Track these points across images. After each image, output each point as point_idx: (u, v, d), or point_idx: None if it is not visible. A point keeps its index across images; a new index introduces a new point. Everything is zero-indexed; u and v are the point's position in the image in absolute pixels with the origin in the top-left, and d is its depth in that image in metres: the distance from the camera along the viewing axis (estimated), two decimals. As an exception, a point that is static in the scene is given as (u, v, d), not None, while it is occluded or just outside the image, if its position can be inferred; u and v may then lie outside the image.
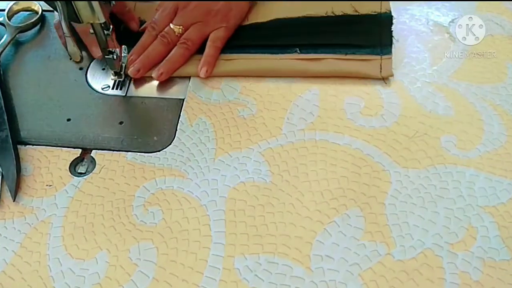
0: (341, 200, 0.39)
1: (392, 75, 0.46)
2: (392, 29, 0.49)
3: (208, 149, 0.44)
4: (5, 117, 0.46)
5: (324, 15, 0.51)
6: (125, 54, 0.50)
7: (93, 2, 0.41)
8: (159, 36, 0.49)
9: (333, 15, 0.51)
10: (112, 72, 0.49)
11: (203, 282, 0.36)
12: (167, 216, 0.40)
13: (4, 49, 0.53)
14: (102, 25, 0.44)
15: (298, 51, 0.48)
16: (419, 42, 0.50)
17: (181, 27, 0.49)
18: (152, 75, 0.48)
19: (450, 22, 0.52)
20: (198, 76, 0.48)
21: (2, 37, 0.54)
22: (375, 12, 0.51)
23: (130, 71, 0.48)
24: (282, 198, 0.40)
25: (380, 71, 0.46)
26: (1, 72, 0.52)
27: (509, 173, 0.40)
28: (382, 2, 0.51)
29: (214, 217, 0.40)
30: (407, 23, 0.52)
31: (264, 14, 0.52)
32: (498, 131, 0.42)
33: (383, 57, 0.47)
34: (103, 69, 0.51)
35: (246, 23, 0.52)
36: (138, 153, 0.44)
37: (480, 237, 0.37)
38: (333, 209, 0.39)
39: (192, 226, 0.39)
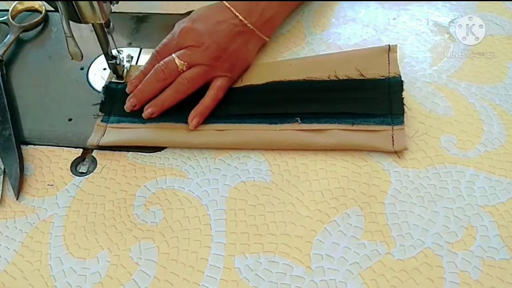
0: (341, 199, 0.40)
1: (406, 149, 0.41)
2: (403, 96, 0.43)
3: (208, 148, 0.44)
4: (8, 116, 0.47)
5: (327, 79, 0.46)
6: (128, 60, 0.50)
7: (94, 2, 0.41)
8: (157, 67, 0.45)
9: (336, 79, 0.45)
10: (114, 75, 0.49)
11: (203, 281, 0.36)
12: (168, 215, 0.40)
13: (7, 48, 0.53)
14: (103, 25, 0.44)
15: (299, 121, 0.43)
16: (419, 42, 0.50)
17: (185, 63, 0.45)
18: (143, 115, 0.45)
19: (450, 22, 0.52)
20: (186, 147, 0.44)
21: (6, 36, 0.54)
22: (383, 76, 0.45)
23: (126, 106, 0.46)
24: (282, 197, 0.40)
25: (393, 144, 0.41)
26: (4, 71, 0.52)
27: (509, 173, 0.40)
28: (390, 65, 0.45)
29: (215, 217, 0.40)
30: (407, 23, 0.52)
31: (259, 75, 0.48)
32: (498, 130, 0.43)
33: (395, 127, 0.42)
34: (104, 69, 0.51)
35: (240, 84, 0.48)
36: (139, 153, 0.44)
37: (479, 237, 0.37)
38: (333, 209, 0.39)
39: (193, 225, 0.39)
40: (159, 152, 0.44)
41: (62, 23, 0.42)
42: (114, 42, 0.47)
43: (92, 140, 0.45)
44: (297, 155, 0.43)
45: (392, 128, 0.42)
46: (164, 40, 0.47)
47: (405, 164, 0.41)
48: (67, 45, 0.43)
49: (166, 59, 0.45)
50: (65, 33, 0.43)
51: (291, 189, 0.41)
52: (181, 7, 0.56)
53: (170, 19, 0.56)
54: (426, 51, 0.49)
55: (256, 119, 0.45)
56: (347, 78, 0.46)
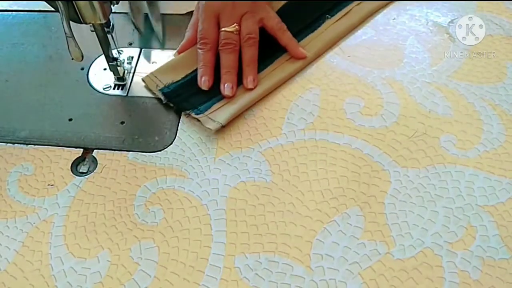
0: (341, 199, 0.40)
1: None
2: None
3: (208, 148, 0.44)
4: None
5: None
6: (129, 62, 0.50)
7: (94, 2, 0.41)
8: (221, 47, 0.48)
9: None
10: (115, 77, 0.49)
11: (204, 280, 0.37)
12: (168, 215, 0.40)
13: None
14: (104, 25, 0.44)
15: (329, 16, 0.52)
16: (418, 42, 0.50)
17: (235, 25, 0.48)
18: (248, 87, 0.47)
19: (449, 22, 0.52)
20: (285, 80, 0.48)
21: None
22: None
23: (226, 92, 0.46)
24: (282, 197, 0.40)
25: None
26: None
27: (508, 173, 0.40)
28: None
29: (215, 216, 0.40)
30: (406, 23, 0.52)
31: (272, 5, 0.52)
32: (497, 131, 0.43)
33: None
34: (105, 69, 0.51)
35: None
36: (140, 153, 0.44)
37: (479, 236, 0.37)
38: (333, 208, 0.39)
39: (193, 225, 0.39)
40: (159, 152, 0.44)
41: (62, 23, 0.42)
42: (115, 42, 0.48)
43: (214, 126, 0.44)
44: (297, 155, 0.43)
45: None
46: (200, 27, 0.49)
47: (405, 164, 0.41)
48: (68, 45, 0.43)
49: (222, 36, 0.48)
50: (65, 33, 0.43)
51: (291, 189, 0.41)
52: (181, 7, 0.56)
53: (170, 19, 0.56)
54: (426, 51, 0.49)
55: (305, 32, 0.51)
56: None
